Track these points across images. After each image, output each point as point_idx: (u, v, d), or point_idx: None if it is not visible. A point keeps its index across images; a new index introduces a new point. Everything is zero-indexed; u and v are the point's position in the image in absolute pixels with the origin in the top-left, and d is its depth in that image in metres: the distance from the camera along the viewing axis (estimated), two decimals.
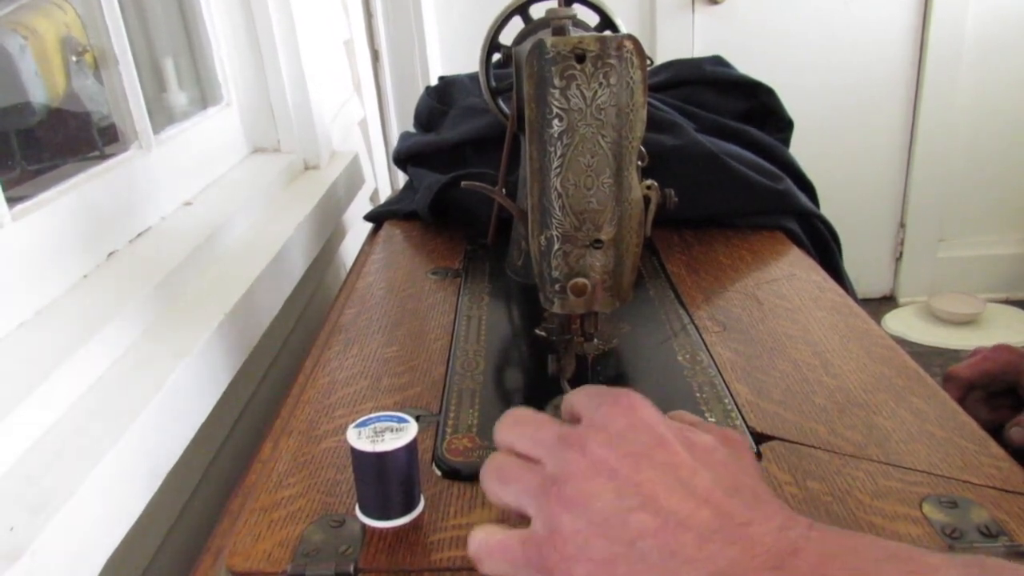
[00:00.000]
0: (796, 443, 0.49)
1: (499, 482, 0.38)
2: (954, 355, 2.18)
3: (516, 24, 0.73)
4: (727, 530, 0.32)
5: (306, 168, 1.07)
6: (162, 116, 0.91)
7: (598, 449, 0.35)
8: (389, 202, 1.01)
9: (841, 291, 0.70)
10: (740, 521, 0.33)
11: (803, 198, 0.87)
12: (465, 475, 0.47)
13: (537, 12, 0.72)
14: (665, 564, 0.32)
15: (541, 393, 0.53)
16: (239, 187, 0.91)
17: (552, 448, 0.37)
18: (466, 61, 1.58)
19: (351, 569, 0.40)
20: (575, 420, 0.38)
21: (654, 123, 0.84)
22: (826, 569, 0.30)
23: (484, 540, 0.36)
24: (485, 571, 0.36)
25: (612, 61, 0.44)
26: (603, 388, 0.39)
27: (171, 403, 0.54)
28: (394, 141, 1.48)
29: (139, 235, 0.74)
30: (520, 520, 0.36)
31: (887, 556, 0.30)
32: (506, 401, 0.56)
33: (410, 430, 0.42)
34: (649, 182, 0.50)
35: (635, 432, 0.36)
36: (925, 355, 2.18)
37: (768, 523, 0.32)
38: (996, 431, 0.52)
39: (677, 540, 0.32)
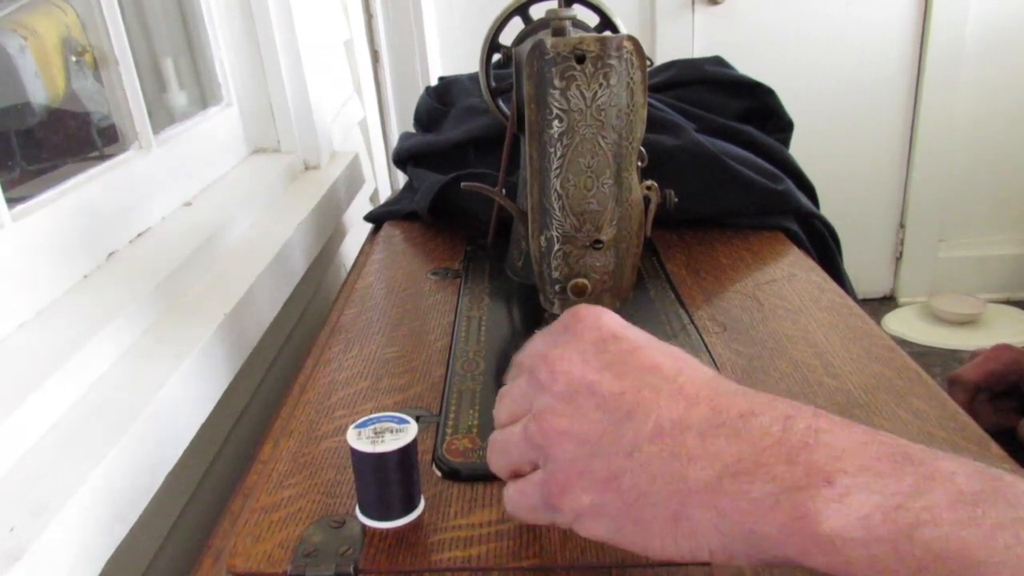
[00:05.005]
0: None
1: (499, 455, 0.37)
2: (954, 355, 2.18)
3: (516, 24, 0.73)
4: (729, 424, 0.30)
5: (306, 168, 1.07)
6: (162, 116, 0.91)
7: (570, 369, 0.33)
8: (389, 202, 1.01)
9: (841, 292, 0.70)
10: (740, 413, 0.30)
11: (803, 198, 0.87)
12: (465, 476, 0.47)
13: (537, 12, 0.72)
14: (669, 466, 0.30)
15: None
16: (239, 187, 0.91)
17: (526, 391, 0.35)
18: (466, 61, 1.58)
19: (351, 570, 0.40)
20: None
21: (654, 123, 0.84)
22: (840, 464, 0.28)
23: (509, 492, 0.37)
24: (522, 520, 0.37)
25: (612, 62, 0.44)
26: (556, 323, 0.37)
27: (171, 403, 0.54)
28: (394, 141, 1.48)
29: (139, 235, 0.74)
30: None
31: (901, 455, 0.28)
32: None
33: (410, 431, 0.42)
34: (649, 183, 0.50)
35: (604, 343, 0.34)
36: (925, 355, 2.18)
37: (770, 412, 0.30)
38: (1000, 435, 0.52)
39: (676, 440, 0.30)
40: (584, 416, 0.32)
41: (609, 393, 0.32)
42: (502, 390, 0.39)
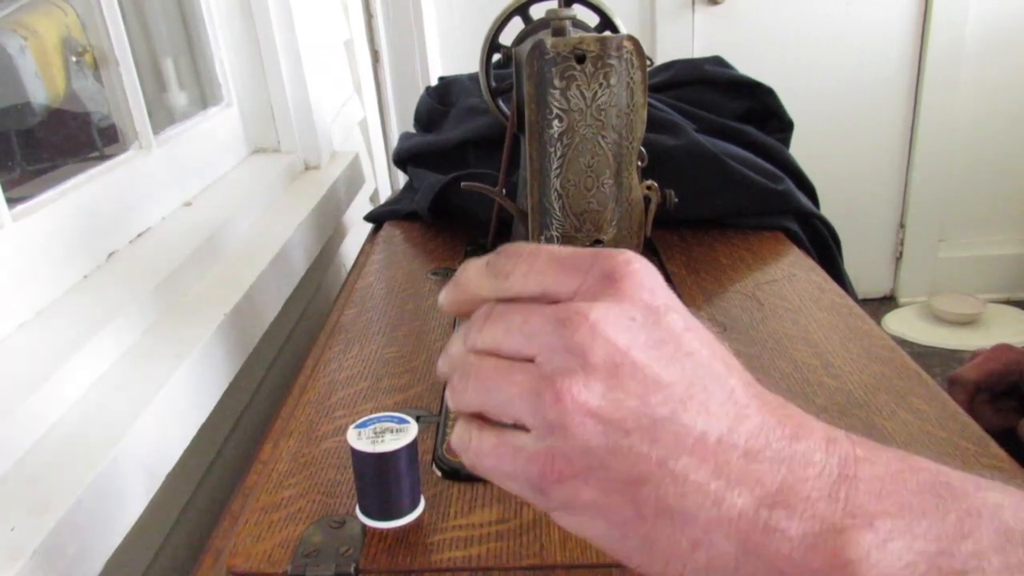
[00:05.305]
0: None
1: (480, 390, 0.28)
2: (954, 355, 2.18)
3: (516, 24, 0.73)
4: (775, 446, 0.26)
5: (306, 168, 1.07)
6: (162, 116, 0.91)
7: (615, 337, 0.26)
8: (389, 202, 1.01)
9: (841, 291, 0.70)
10: (785, 434, 0.26)
11: (803, 198, 0.87)
12: (465, 476, 0.47)
13: (537, 12, 0.72)
14: (707, 486, 0.26)
15: None
16: (239, 187, 0.91)
17: (547, 337, 0.27)
18: (466, 61, 1.58)
19: (351, 570, 0.40)
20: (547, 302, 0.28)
21: (654, 123, 0.84)
22: (881, 503, 0.25)
23: (476, 446, 0.29)
24: (480, 474, 0.29)
25: (612, 61, 0.44)
26: (581, 252, 0.29)
27: (171, 403, 0.54)
28: (394, 141, 1.48)
29: (139, 235, 0.74)
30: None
31: (943, 485, 0.26)
32: None
33: (410, 431, 0.42)
34: (649, 182, 0.50)
35: (656, 314, 0.27)
36: (925, 355, 2.18)
37: (812, 436, 0.27)
38: (1000, 435, 0.52)
39: (720, 459, 0.26)
40: (619, 402, 0.26)
41: (654, 382, 0.26)
42: (505, 308, 0.29)
